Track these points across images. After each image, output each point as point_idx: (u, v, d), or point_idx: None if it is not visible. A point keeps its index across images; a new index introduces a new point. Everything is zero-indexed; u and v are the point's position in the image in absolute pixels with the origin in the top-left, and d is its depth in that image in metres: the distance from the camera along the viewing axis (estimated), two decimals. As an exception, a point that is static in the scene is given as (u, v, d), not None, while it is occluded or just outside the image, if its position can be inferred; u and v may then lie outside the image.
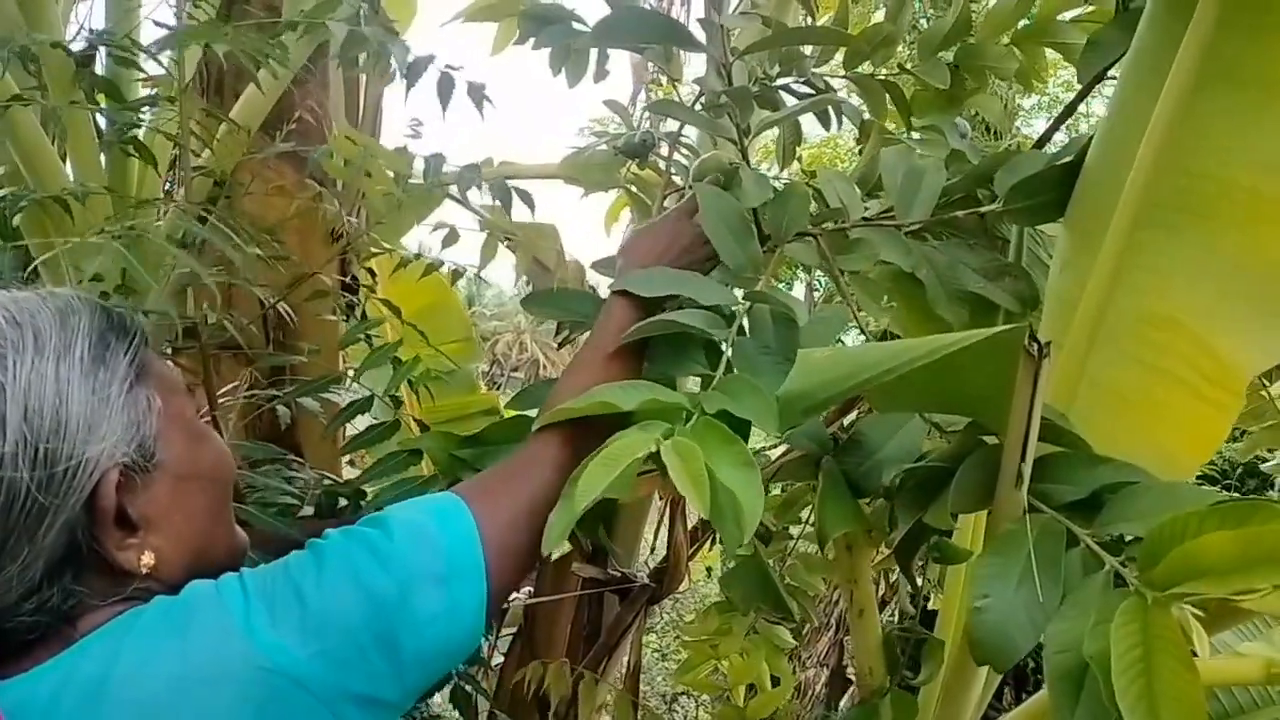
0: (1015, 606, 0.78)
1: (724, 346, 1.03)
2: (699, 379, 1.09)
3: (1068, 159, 1.31)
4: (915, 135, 1.80)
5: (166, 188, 1.83)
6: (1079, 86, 1.58)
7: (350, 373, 1.86)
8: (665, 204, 2.08)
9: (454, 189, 2.03)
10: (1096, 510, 0.85)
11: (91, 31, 1.40)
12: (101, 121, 1.79)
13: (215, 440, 0.88)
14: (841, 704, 3.82)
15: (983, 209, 1.39)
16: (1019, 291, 1.38)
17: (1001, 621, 0.78)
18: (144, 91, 1.80)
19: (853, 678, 3.95)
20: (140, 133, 1.49)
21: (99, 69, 1.40)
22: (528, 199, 1.68)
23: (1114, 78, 1.42)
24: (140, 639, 0.72)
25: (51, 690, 0.70)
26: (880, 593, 3.54)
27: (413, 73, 1.38)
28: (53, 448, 0.72)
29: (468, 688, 1.55)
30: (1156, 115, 1.14)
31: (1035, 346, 0.84)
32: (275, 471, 1.36)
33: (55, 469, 0.71)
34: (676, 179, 2.07)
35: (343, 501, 1.37)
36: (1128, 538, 0.82)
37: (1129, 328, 1.19)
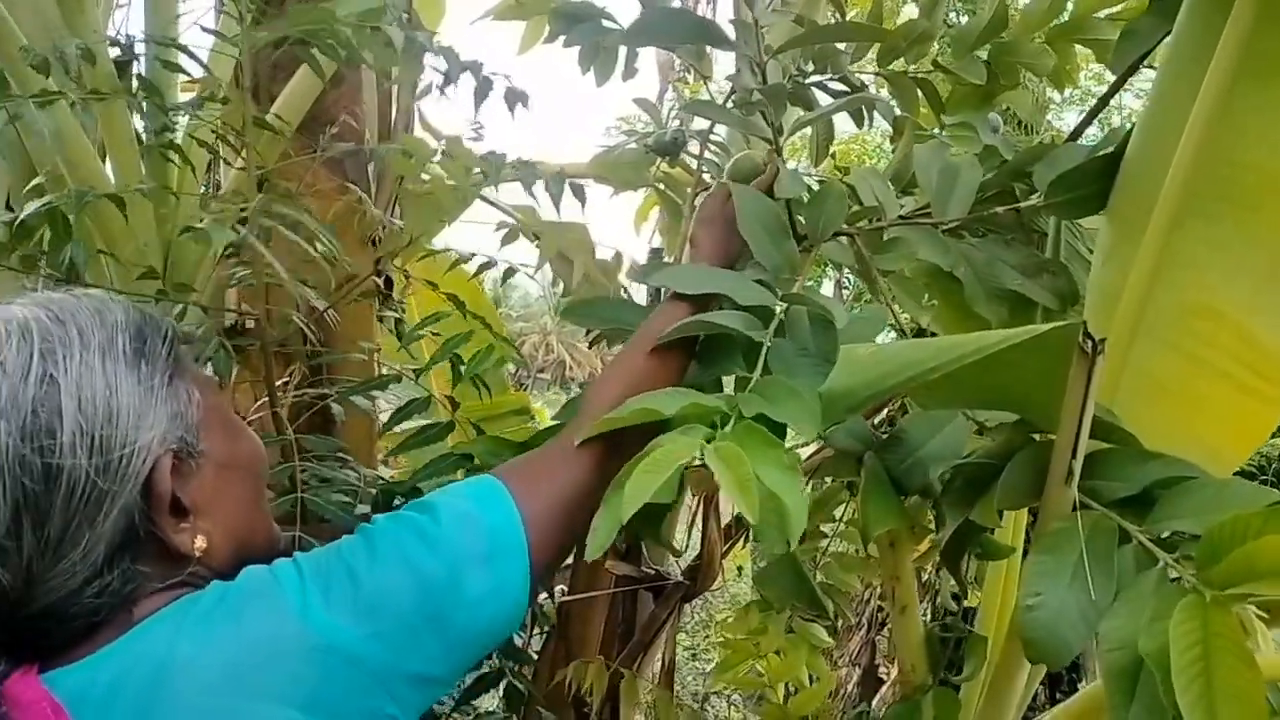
0: (1068, 604, 0.78)
1: (765, 344, 1.03)
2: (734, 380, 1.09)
3: (1108, 151, 1.30)
4: (947, 133, 1.78)
5: (203, 190, 1.85)
6: (1110, 79, 1.56)
7: (386, 372, 1.87)
8: (696, 203, 2.07)
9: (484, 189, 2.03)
10: (1149, 507, 0.84)
11: (129, 36, 1.41)
12: (140, 126, 1.81)
13: (250, 434, 0.92)
14: (874, 703, 3.80)
15: (1021, 204, 1.38)
16: (1058, 288, 1.37)
17: (1054, 620, 0.78)
18: (184, 96, 1.81)
19: (884, 677, 3.93)
20: (179, 137, 1.51)
21: (140, 72, 1.41)
22: (580, 193, 1.67)
23: (1151, 66, 1.41)
24: (198, 624, 0.74)
25: (111, 677, 0.72)
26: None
27: (451, 73, 1.39)
28: (107, 435, 0.75)
29: (520, 685, 1.55)
30: (1197, 106, 1.13)
31: (1090, 343, 0.83)
32: (335, 467, 1.37)
33: (111, 455, 0.75)
34: (707, 177, 2.06)
35: (397, 499, 1.38)
36: (1167, 534, 0.82)
37: (1171, 319, 1.17)
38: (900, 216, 1.41)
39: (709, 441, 0.82)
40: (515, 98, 1.44)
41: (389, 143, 1.97)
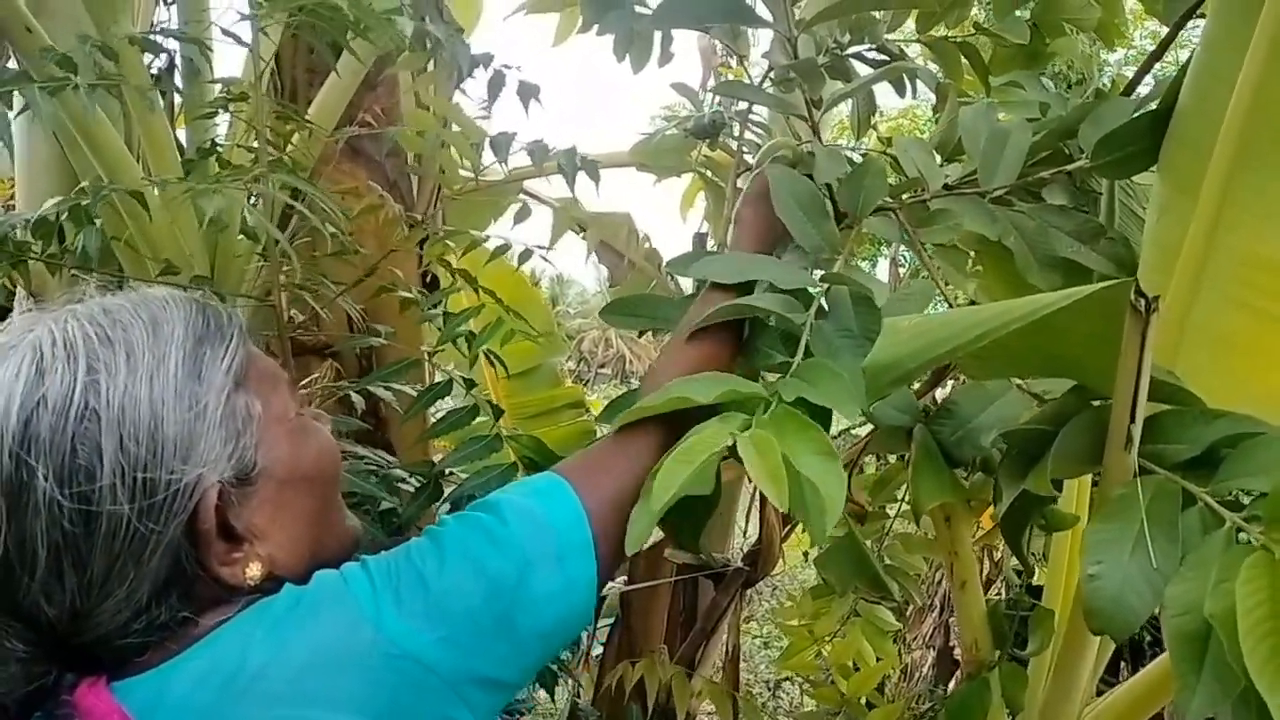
0: (1131, 573, 0.74)
1: (805, 327, 1.01)
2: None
3: (1155, 103, 1.25)
4: (993, 96, 1.74)
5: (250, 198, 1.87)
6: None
7: (440, 372, 1.88)
8: (738, 184, 2.05)
9: (530, 184, 2.04)
10: (1213, 467, 0.80)
11: (160, 31, 1.43)
12: (182, 136, 1.84)
13: (317, 434, 0.88)
14: (950, 685, 3.74)
15: (1068, 167, 1.33)
16: (1116, 254, 1.30)
17: (1118, 589, 0.74)
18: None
19: (960, 659, 3.87)
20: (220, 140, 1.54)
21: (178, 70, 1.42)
22: (593, 172, 1.65)
23: (1202, 15, 1.35)
24: (272, 631, 0.73)
25: (185, 685, 0.71)
26: (985, 571, 3.46)
27: (467, 69, 1.39)
28: (151, 476, 0.72)
29: (552, 667, 1.56)
30: (1252, 50, 1.08)
31: (1143, 302, 0.79)
32: (367, 474, 1.37)
33: (154, 498, 0.72)
34: (749, 158, 2.04)
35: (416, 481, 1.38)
36: (1245, 494, 0.78)
37: (1233, 272, 1.12)
38: (945, 186, 1.36)
39: (745, 429, 0.81)
40: (528, 92, 1.43)
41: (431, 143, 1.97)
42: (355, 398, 1.74)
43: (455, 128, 1.94)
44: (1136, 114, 1.26)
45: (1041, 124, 1.44)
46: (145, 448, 0.72)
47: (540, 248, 1.85)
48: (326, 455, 0.87)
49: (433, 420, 2.02)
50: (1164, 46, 1.65)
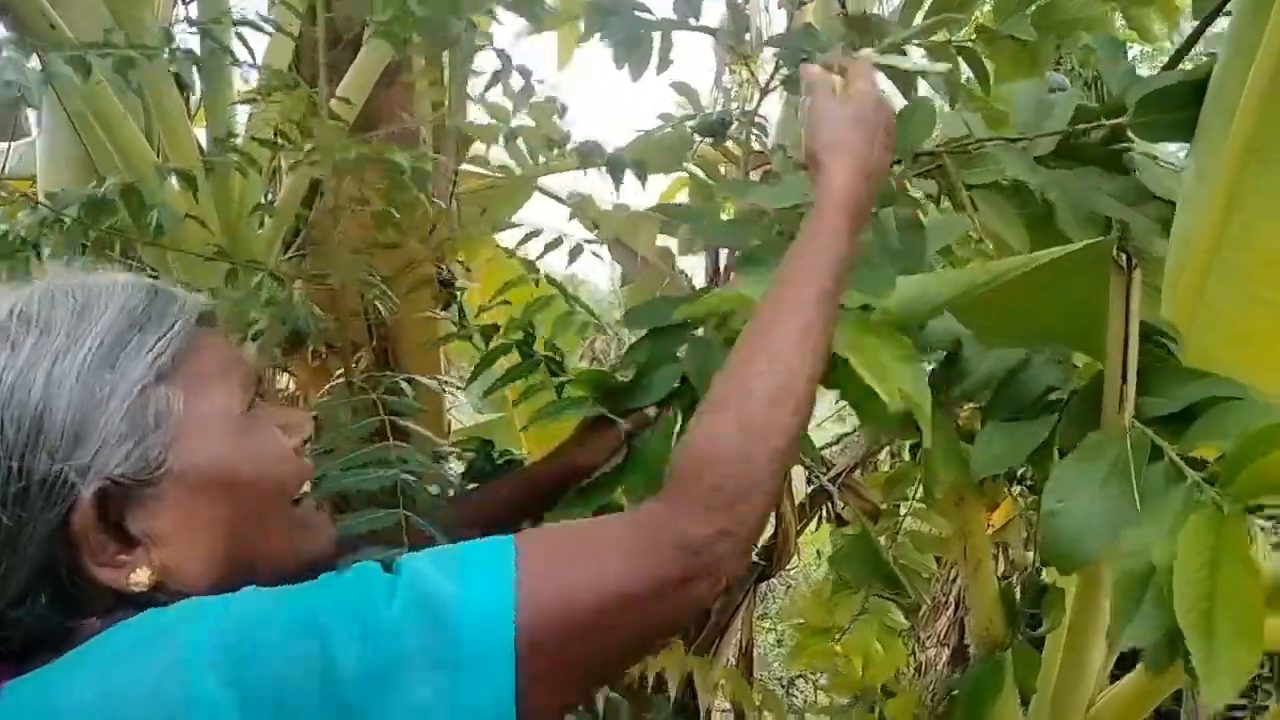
0: (1091, 514, 0.79)
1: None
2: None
3: (1197, 77, 1.25)
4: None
5: (268, 195, 1.90)
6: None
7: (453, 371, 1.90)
8: (751, 177, 2.07)
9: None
10: (1188, 424, 0.84)
11: (186, 20, 1.46)
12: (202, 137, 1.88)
13: (264, 436, 0.79)
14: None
15: (1109, 123, 1.30)
16: (1162, 217, 1.27)
17: (1075, 526, 0.79)
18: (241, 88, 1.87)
19: (972, 654, 3.85)
20: (240, 139, 1.58)
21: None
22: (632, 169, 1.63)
23: (1229, 13, 1.37)
24: (94, 661, 0.66)
25: (31, 705, 0.65)
26: (1000, 570, 3.46)
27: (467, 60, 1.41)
28: (28, 463, 0.67)
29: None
30: (1265, 44, 1.10)
31: (1124, 258, 0.83)
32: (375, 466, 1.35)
33: (31, 480, 0.67)
34: (756, 146, 2.05)
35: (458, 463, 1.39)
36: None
37: (1243, 265, 1.15)
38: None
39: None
40: (523, 75, 1.46)
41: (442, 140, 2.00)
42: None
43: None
44: (1179, 81, 1.26)
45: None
46: (26, 433, 0.67)
47: (590, 242, 1.82)
48: (268, 460, 0.78)
49: (449, 419, 2.04)
50: (1190, 43, 1.65)
